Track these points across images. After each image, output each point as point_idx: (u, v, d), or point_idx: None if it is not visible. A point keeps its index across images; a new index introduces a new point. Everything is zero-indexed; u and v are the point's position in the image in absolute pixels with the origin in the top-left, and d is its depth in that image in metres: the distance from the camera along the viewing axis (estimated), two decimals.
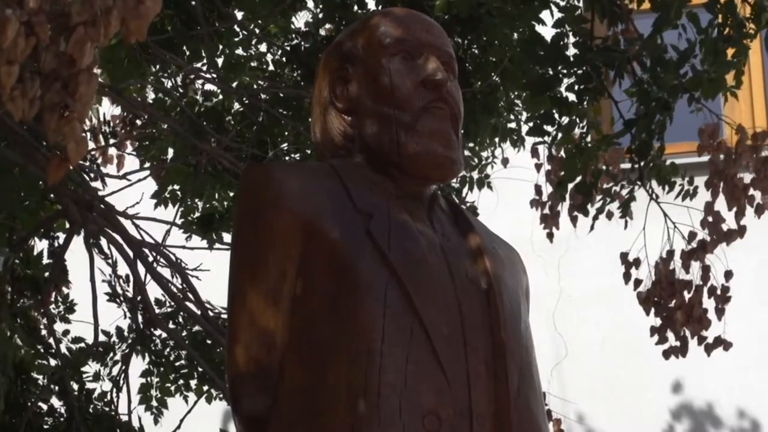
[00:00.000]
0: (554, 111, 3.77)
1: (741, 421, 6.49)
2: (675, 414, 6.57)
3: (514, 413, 1.77)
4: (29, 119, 1.43)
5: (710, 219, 3.92)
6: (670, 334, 3.95)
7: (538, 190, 4.34)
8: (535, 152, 4.51)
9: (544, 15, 4.21)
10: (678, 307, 3.88)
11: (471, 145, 5.05)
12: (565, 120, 3.80)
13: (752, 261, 6.34)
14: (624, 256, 4.07)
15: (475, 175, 5.33)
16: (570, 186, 3.89)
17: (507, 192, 5.73)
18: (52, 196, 4.21)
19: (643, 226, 3.94)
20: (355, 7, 4.55)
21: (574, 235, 4.00)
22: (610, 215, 4.00)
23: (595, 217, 3.92)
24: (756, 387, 6.35)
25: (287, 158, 4.84)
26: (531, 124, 3.79)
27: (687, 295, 3.89)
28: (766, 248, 6.34)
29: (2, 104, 1.40)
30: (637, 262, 4.04)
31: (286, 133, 4.84)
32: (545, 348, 5.95)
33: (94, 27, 1.41)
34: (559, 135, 3.78)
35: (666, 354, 3.99)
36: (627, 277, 4.04)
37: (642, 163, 3.74)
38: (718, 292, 3.97)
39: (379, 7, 4.39)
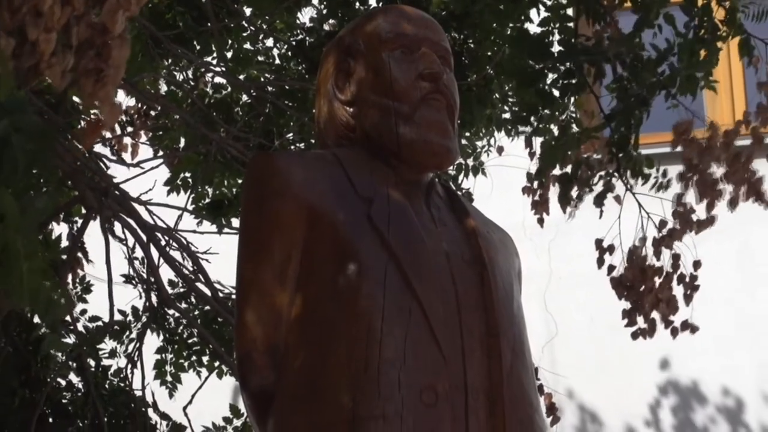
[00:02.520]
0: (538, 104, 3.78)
1: (725, 398, 6.51)
2: (661, 390, 6.59)
3: (507, 389, 1.78)
4: (62, 89, 1.42)
5: (680, 210, 3.94)
6: (639, 318, 3.98)
7: (529, 177, 4.34)
8: (528, 141, 4.50)
9: (532, 14, 4.22)
10: (648, 290, 3.89)
11: (467, 134, 5.06)
12: (547, 113, 3.82)
13: (733, 247, 6.35)
14: (599, 243, 4.08)
15: (471, 162, 5.35)
16: (551, 173, 3.91)
17: (501, 179, 5.74)
18: (69, 183, 4.21)
19: (619, 215, 3.95)
20: (357, 4, 4.55)
21: (564, 220, 4.01)
22: (600, 202, 4.00)
23: (575, 206, 3.94)
24: (737, 366, 6.38)
25: (292, 147, 4.84)
26: (516, 109, 3.80)
27: (657, 281, 3.91)
28: (748, 236, 6.35)
29: (37, 76, 1.40)
30: (611, 248, 4.05)
31: (291, 124, 4.85)
32: (536, 327, 5.97)
33: None
34: (541, 126, 3.79)
35: (634, 335, 4.01)
36: (600, 262, 4.06)
37: (621, 155, 3.75)
38: (687, 279, 3.99)
39: (380, 4, 4.40)
